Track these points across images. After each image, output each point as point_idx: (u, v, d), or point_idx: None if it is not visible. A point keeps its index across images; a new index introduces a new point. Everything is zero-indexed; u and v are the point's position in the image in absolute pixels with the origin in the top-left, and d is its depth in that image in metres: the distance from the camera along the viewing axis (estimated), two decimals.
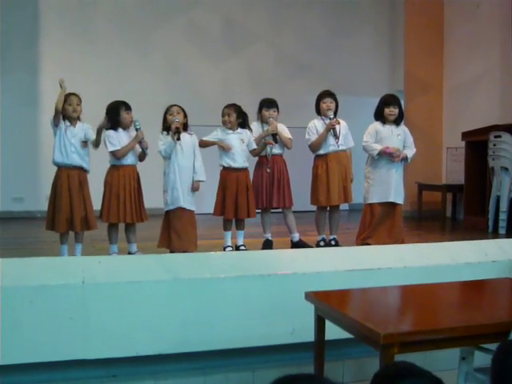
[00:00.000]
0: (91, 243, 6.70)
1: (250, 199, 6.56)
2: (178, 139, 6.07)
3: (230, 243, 6.56)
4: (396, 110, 6.71)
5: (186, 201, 6.19)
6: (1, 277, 3.98)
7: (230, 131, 6.55)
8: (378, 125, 6.79)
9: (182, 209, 6.18)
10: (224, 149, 6.50)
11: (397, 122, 6.75)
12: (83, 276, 4.13)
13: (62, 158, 5.96)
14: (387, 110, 6.71)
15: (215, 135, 6.59)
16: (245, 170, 6.60)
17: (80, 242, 6.10)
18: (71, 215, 5.93)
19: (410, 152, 6.77)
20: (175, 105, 6.31)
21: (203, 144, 6.55)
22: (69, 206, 5.93)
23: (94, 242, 6.76)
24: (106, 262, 4.44)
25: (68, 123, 6.02)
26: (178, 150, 6.17)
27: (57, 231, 6.02)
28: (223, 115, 6.57)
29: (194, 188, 6.30)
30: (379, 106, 6.80)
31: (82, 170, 6.06)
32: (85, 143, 6.07)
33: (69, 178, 5.95)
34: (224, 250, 6.43)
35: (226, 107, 6.61)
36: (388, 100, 6.79)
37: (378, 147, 6.68)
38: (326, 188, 6.68)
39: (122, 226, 6.27)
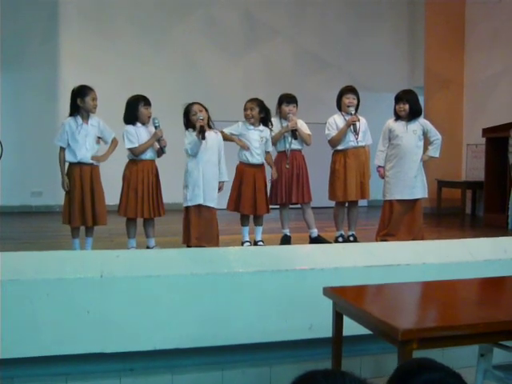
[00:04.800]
0: (109, 237, 6.73)
1: (267, 195, 6.58)
2: (203, 138, 5.98)
3: (248, 238, 6.56)
4: (406, 106, 6.65)
5: (206, 198, 6.12)
6: (19, 270, 4.00)
7: (252, 127, 6.54)
8: (391, 122, 6.78)
9: (201, 206, 6.12)
10: (242, 147, 6.49)
11: (410, 117, 6.70)
12: (101, 270, 4.13)
13: (74, 157, 5.96)
14: (397, 106, 6.71)
15: (236, 128, 6.58)
16: (261, 166, 6.59)
17: (90, 236, 6.13)
18: (83, 210, 5.96)
19: (435, 151, 6.79)
20: (195, 103, 6.21)
21: (223, 136, 6.51)
22: (81, 201, 5.95)
23: (112, 236, 6.78)
24: (123, 256, 4.45)
25: (80, 120, 6.00)
26: (202, 147, 6.08)
27: (72, 225, 6.04)
28: (245, 109, 6.54)
29: (220, 188, 6.30)
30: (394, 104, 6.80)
31: (94, 165, 6.07)
32: (98, 139, 6.09)
33: (81, 174, 5.98)
34: (242, 245, 6.42)
35: (248, 101, 6.58)
36: (397, 96, 6.77)
37: (378, 163, 6.82)
38: (343, 183, 6.67)
39: (140, 220, 6.27)
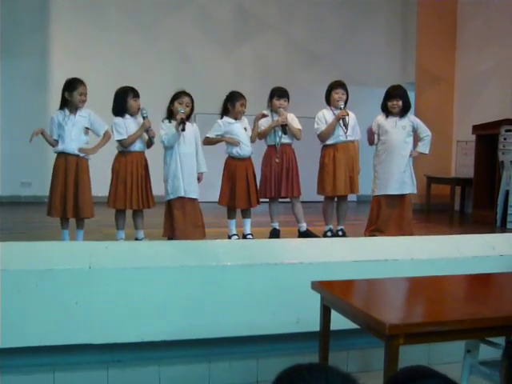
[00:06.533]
0: (98, 229, 6.72)
1: (257, 187, 6.58)
2: (183, 130, 5.93)
3: (235, 231, 6.53)
4: (399, 102, 6.64)
5: (187, 190, 6.08)
6: (8, 260, 4.00)
7: (233, 120, 6.51)
8: (381, 118, 6.76)
9: (183, 198, 6.10)
10: (233, 144, 6.45)
11: (401, 113, 6.70)
12: (90, 261, 4.13)
13: (60, 146, 5.95)
14: (390, 103, 6.67)
15: (218, 128, 6.48)
16: (250, 158, 6.58)
17: (81, 228, 6.11)
18: (64, 201, 5.93)
19: (425, 147, 6.78)
20: (187, 94, 6.14)
21: (208, 142, 6.48)
22: (63, 192, 5.92)
23: (101, 227, 6.77)
24: (112, 247, 4.45)
25: (68, 112, 5.98)
26: (180, 139, 6.05)
27: (50, 216, 6.03)
28: (242, 105, 6.50)
29: (199, 179, 6.27)
30: (383, 100, 6.77)
31: (81, 157, 6.03)
32: (87, 129, 6.06)
33: (66, 164, 5.93)
34: (229, 238, 6.40)
35: (243, 98, 6.53)
36: (390, 93, 6.73)
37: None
38: (332, 178, 6.66)
39: (130, 212, 6.26)
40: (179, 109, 5.99)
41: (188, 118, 6.10)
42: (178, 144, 6.04)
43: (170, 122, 6.07)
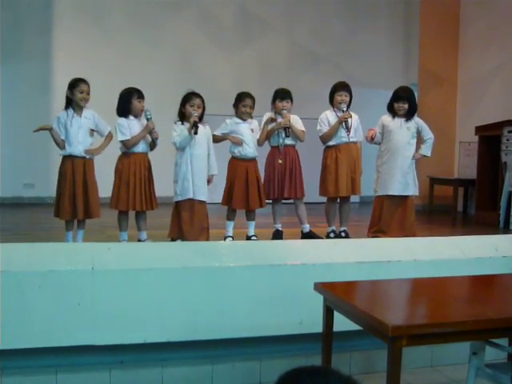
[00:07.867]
0: (101, 230, 6.72)
1: (261, 189, 6.53)
2: (196, 133, 5.95)
3: (231, 233, 6.51)
4: (405, 105, 6.64)
5: (196, 192, 6.08)
6: (11, 261, 4.00)
7: (240, 121, 6.51)
8: (386, 118, 6.76)
9: (192, 200, 6.11)
10: (236, 143, 6.46)
11: (407, 116, 6.69)
12: (93, 262, 4.13)
13: (67, 150, 5.96)
14: (396, 105, 6.67)
15: (225, 127, 6.52)
16: (254, 159, 6.57)
17: (82, 228, 6.12)
18: (74, 203, 5.94)
19: (427, 150, 6.78)
20: (197, 95, 6.14)
21: (213, 140, 6.46)
22: (72, 194, 5.93)
23: (104, 228, 6.77)
24: (115, 248, 4.44)
25: (72, 112, 6.00)
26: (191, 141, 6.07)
27: (61, 219, 6.03)
28: (245, 106, 6.50)
29: (209, 182, 6.27)
30: (390, 100, 6.77)
31: (88, 158, 6.04)
32: (92, 131, 6.08)
33: (73, 166, 5.95)
34: (224, 239, 6.38)
35: (247, 97, 6.53)
36: (398, 95, 6.73)
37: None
38: (334, 179, 6.65)
39: (132, 213, 6.26)
40: (192, 112, 5.98)
41: (200, 119, 6.10)
42: (189, 146, 6.04)
43: (182, 123, 6.08)
